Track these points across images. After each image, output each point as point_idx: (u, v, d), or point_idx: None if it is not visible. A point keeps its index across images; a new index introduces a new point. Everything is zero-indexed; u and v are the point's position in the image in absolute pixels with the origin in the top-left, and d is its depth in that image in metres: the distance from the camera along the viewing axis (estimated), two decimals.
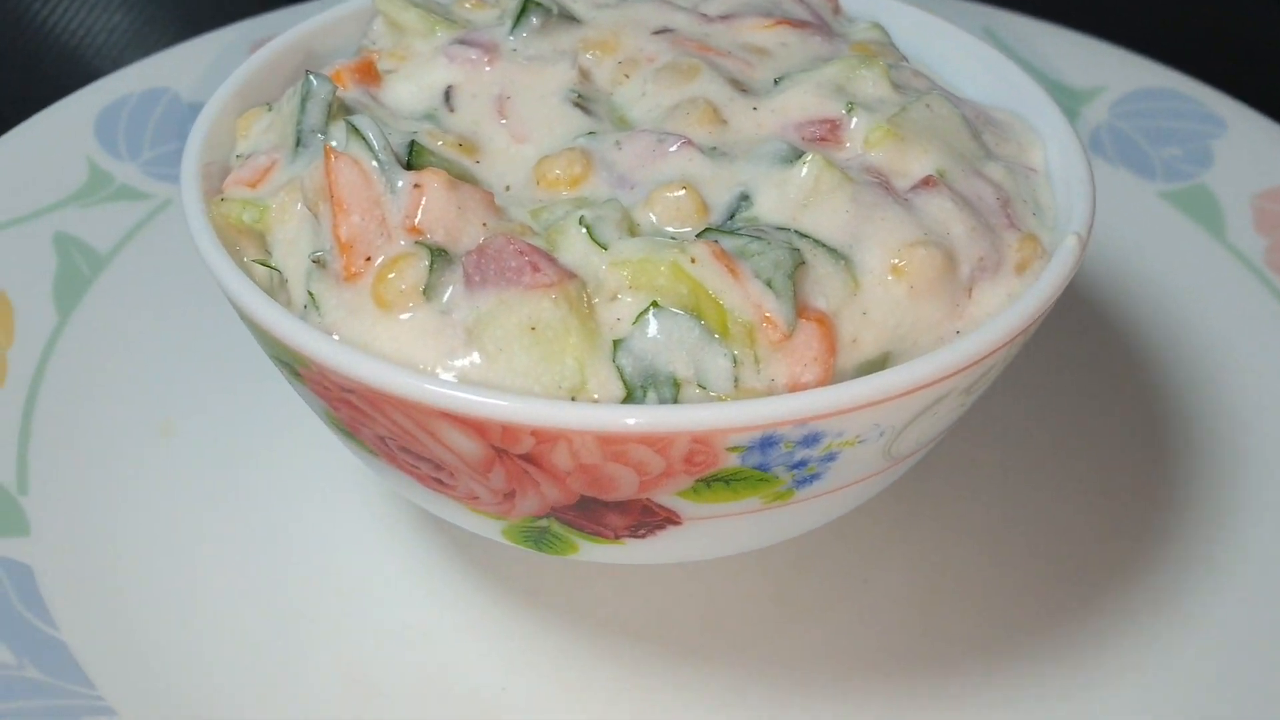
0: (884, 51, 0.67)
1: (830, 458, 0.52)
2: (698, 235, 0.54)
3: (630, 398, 0.52)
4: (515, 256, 0.52)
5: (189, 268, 0.72)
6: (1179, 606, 0.68)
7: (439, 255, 0.53)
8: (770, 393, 0.52)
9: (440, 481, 0.55)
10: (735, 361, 0.52)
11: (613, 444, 0.50)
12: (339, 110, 0.60)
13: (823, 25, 0.68)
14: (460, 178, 0.56)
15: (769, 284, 0.52)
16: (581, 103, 0.61)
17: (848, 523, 0.67)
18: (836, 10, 0.71)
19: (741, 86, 0.62)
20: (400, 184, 0.54)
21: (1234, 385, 0.80)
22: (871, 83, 0.62)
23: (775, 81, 0.63)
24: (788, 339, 0.52)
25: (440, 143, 0.59)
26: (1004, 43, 1.01)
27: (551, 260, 0.53)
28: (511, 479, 0.53)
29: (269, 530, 0.70)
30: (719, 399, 0.52)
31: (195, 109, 0.91)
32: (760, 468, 0.52)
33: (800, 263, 0.53)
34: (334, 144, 0.56)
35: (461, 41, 0.64)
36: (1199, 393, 0.80)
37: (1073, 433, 0.77)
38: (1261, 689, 0.65)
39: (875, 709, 0.64)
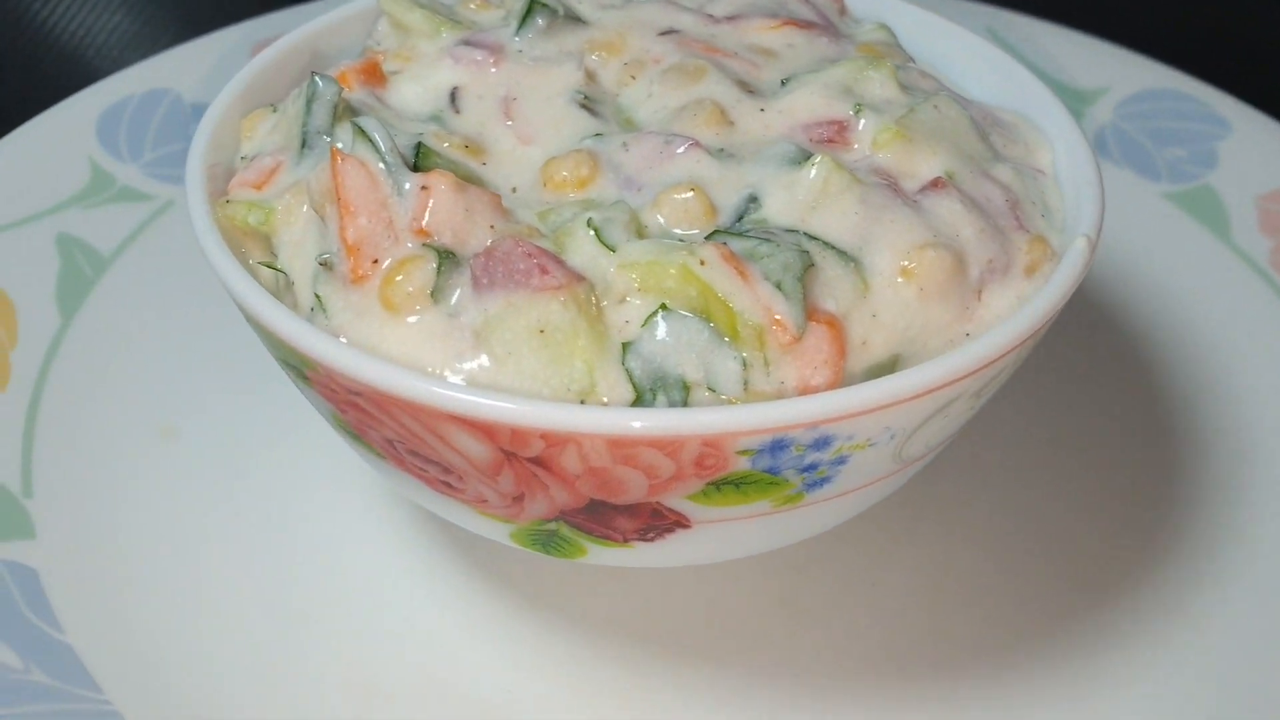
0: (891, 52, 0.67)
1: (841, 461, 0.52)
2: (706, 237, 0.54)
3: (640, 401, 0.52)
4: (524, 259, 0.52)
5: (192, 269, 0.72)
6: (1187, 609, 0.68)
7: (447, 258, 0.53)
8: (780, 396, 0.51)
9: (448, 485, 0.55)
10: (745, 364, 0.52)
11: (623, 447, 0.50)
12: (344, 112, 0.60)
13: (829, 26, 0.68)
14: (467, 179, 0.56)
15: (778, 286, 0.52)
16: (588, 104, 0.61)
17: (854, 526, 0.67)
18: (842, 11, 0.71)
19: (748, 88, 0.62)
20: (407, 186, 0.54)
21: (1239, 386, 0.80)
22: (879, 84, 0.62)
23: (782, 83, 0.63)
24: (797, 342, 0.52)
25: (446, 144, 0.59)
26: (1007, 43, 1.01)
27: (560, 262, 0.52)
28: (520, 482, 0.53)
29: (274, 532, 0.70)
30: (729, 402, 0.52)
31: (197, 110, 0.91)
32: (771, 471, 0.51)
33: (809, 265, 0.53)
34: (340, 146, 0.56)
35: (467, 43, 0.63)
36: (1204, 394, 0.80)
37: (1077, 434, 0.77)
38: (1271, 692, 0.65)
39: (882, 712, 0.64)
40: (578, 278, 0.52)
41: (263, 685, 0.63)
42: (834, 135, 0.60)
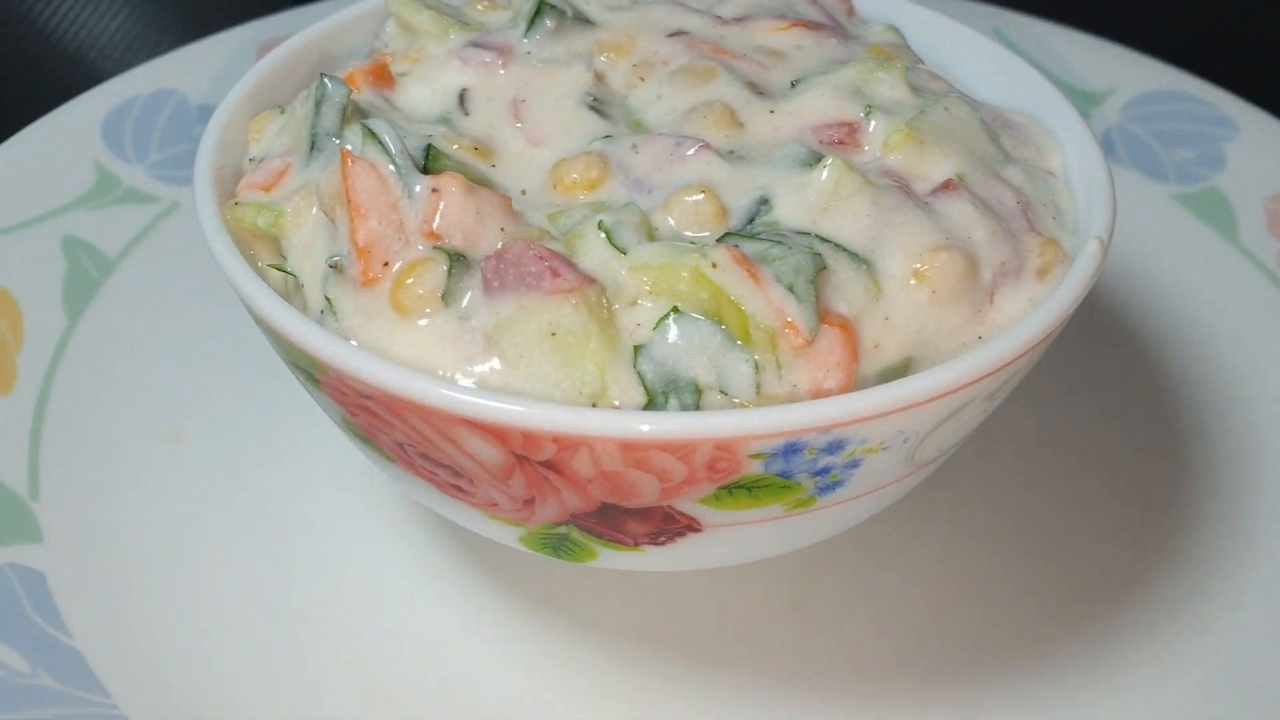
0: (900, 54, 0.67)
1: (854, 464, 0.52)
2: (718, 240, 0.54)
3: (651, 404, 0.51)
4: (535, 261, 0.52)
5: (198, 270, 0.72)
6: (1195, 613, 0.68)
7: (457, 260, 0.52)
8: (793, 399, 0.51)
9: (459, 488, 0.55)
10: (757, 367, 0.51)
11: (635, 451, 0.49)
12: (353, 113, 0.59)
13: (837, 27, 0.68)
14: (476, 182, 0.55)
15: (791, 289, 0.51)
16: (597, 106, 0.61)
17: (864, 529, 0.67)
18: (850, 12, 0.71)
19: (758, 89, 0.62)
20: (418, 188, 0.54)
21: (1247, 388, 0.80)
22: (889, 85, 0.62)
23: (792, 84, 0.63)
24: (810, 345, 0.51)
25: (456, 146, 0.59)
26: (1013, 44, 1.00)
27: (571, 265, 0.52)
28: (532, 486, 0.53)
29: (280, 535, 0.70)
30: (741, 405, 0.51)
31: (203, 111, 0.91)
32: (783, 475, 0.51)
33: (822, 267, 0.53)
34: (350, 148, 0.56)
35: (475, 44, 0.63)
36: (1212, 395, 0.79)
37: (1085, 436, 0.77)
38: (1279, 695, 0.64)
39: (891, 714, 0.63)
40: (589, 280, 0.52)
41: (269, 688, 0.63)
42: (844, 137, 0.60)
